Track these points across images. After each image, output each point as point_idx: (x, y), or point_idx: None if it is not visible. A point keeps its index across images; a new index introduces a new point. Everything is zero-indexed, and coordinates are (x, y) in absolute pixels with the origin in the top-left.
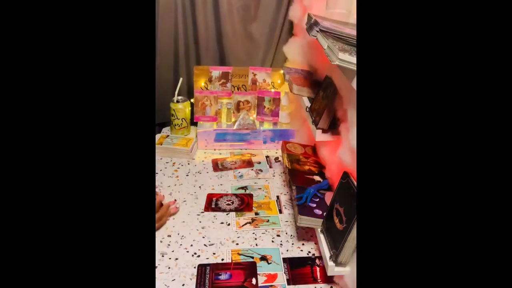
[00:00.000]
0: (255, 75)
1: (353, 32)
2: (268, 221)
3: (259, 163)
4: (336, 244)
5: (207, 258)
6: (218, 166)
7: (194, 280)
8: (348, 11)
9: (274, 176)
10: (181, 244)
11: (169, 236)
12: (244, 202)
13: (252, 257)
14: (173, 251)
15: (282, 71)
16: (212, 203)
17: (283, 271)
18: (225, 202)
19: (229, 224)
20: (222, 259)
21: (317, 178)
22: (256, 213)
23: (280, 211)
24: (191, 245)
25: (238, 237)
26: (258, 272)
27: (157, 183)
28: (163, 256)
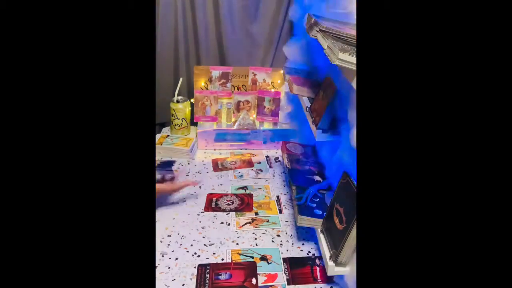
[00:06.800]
0: (255, 75)
1: (353, 32)
2: (268, 221)
3: (259, 163)
4: (336, 244)
5: (207, 258)
6: (218, 166)
7: (194, 280)
8: (348, 11)
9: (274, 176)
10: (181, 244)
11: (169, 236)
12: (244, 202)
13: (252, 257)
14: (173, 251)
15: (282, 71)
16: (212, 203)
17: (283, 271)
18: (225, 202)
19: (229, 224)
20: (222, 259)
21: (317, 178)
22: (256, 213)
23: (280, 211)
24: (191, 245)
25: (238, 237)
26: (258, 272)
27: None
28: (163, 256)
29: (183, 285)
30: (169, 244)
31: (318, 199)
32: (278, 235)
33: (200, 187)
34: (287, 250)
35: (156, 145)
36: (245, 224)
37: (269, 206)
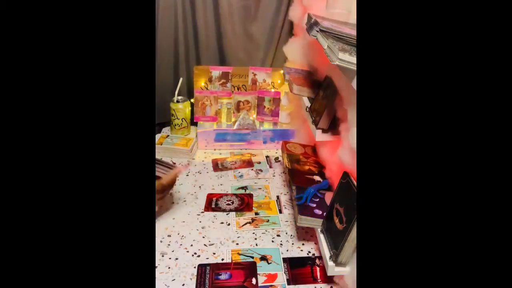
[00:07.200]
0: (255, 75)
1: (353, 32)
2: (268, 221)
3: (259, 163)
4: (336, 244)
5: (207, 258)
6: (218, 166)
7: (194, 280)
8: (348, 11)
9: (274, 176)
10: (181, 244)
11: (169, 236)
12: (244, 202)
13: (252, 257)
14: (173, 251)
15: (282, 71)
16: (212, 203)
17: (283, 271)
18: (225, 202)
19: (229, 224)
20: (222, 259)
21: (317, 178)
22: (256, 213)
23: (280, 211)
24: (191, 245)
25: (238, 237)
26: (258, 272)
27: None
28: (163, 256)
29: (183, 285)
30: (169, 244)
31: (318, 199)
32: (278, 235)
33: (200, 187)
34: (287, 250)
35: (156, 145)
36: (245, 224)
37: (269, 206)
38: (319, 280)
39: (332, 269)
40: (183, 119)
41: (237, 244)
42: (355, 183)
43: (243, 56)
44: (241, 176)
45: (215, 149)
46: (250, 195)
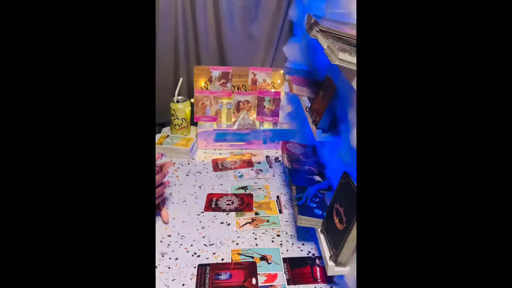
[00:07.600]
0: (255, 75)
1: (353, 32)
2: (268, 221)
3: (259, 163)
4: (336, 244)
5: (207, 258)
6: (218, 166)
7: (194, 280)
8: (348, 11)
9: (274, 176)
10: (181, 244)
11: (169, 236)
12: (244, 202)
13: (252, 257)
14: (173, 251)
15: (282, 71)
16: (212, 203)
17: (283, 271)
18: (225, 202)
19: (229, 224)
20: (222, 259)
21: (317, 178)
22: (256, 213)
23: (280, 211)
24: (191, 245)
25: (238, 237)
26: (258, 272)
27: None
28: (163, 256)
29: (183, 285)
30: (169, 244)
31: (318, 199)
32: (278, 235)
33: (200, 187)
34: (287, 250)
35: (156, 145)
36: (245, 224)
37: (269, 206)
38: (319, 280)
39: (332, 269)
40: (183, 119)
41: (237, 244)
42: (355, 183)
43: (243, 56)
44: (241, 176)
45: (215, 149)
46: (250, 195)
